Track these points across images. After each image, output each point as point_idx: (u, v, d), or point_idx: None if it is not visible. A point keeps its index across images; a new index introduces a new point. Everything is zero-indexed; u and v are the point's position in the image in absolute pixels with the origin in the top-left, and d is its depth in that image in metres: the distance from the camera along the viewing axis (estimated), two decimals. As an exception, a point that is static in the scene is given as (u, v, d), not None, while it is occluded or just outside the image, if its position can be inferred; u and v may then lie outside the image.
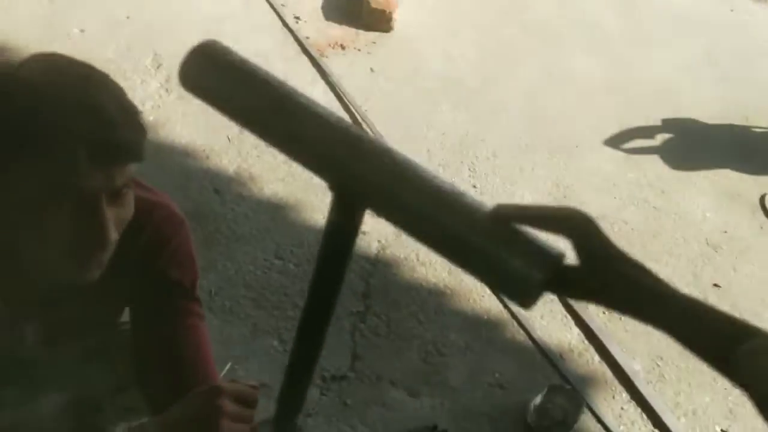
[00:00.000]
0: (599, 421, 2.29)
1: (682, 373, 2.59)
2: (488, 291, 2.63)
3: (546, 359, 2.44)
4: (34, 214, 0.90)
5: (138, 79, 3.07)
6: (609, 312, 2.74)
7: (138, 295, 1.22)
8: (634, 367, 2.52)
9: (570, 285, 0.50)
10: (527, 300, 0.48)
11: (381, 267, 2.57)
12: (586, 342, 2.58)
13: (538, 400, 2.18)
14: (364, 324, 2.34)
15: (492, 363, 2.36)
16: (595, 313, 2.70)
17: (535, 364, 2.41)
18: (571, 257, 0.49)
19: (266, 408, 1.64)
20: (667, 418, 2.36)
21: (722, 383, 2.60)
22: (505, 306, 2.59)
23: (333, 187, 0.49)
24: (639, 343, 2.66)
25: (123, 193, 0.96)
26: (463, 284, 2.63)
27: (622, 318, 2.73)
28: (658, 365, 2.59)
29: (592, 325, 2.62)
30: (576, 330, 2.62)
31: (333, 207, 0.50)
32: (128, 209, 0.99)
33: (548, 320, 2.61)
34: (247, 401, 1.16)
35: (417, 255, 2.69)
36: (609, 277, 0.49)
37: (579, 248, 0.50)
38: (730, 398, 2.54)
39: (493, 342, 2.44)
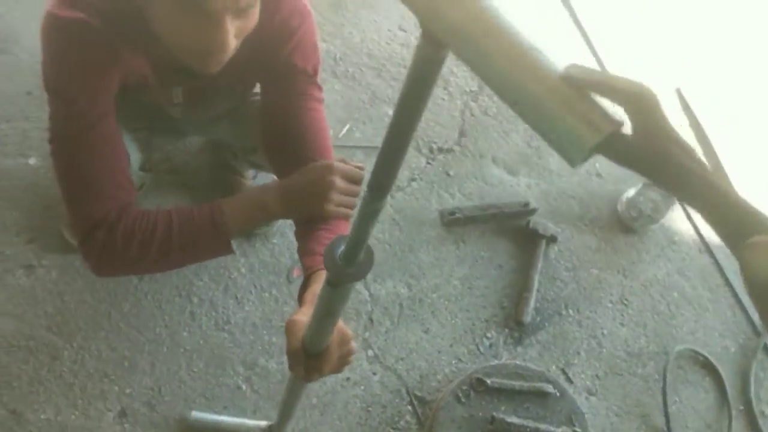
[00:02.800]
0: (688, 218, 2.43)
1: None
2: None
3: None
4: (175, 18, 1.07)
5: None
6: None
7: (267, 77, 1.42)
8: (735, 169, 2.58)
9: (619, 152, 0.55)
10: (577, 160, 0.51)
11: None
12: (694, 140, 2.63)
13: (631, 192, 2.32)
14: (475, 103, 2.49)
15: (593, 152, 2.49)
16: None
17: (635, 158, 2.51)
18: (627, 127, 0.54)
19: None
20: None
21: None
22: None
23: (420, 22, 0.54)
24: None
25: (248, 9, 1.09)
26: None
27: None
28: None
29: (703, 122, 2.65)
30: (688, 130, 2.66)
31: (420, 40, 0.55)
32: (252, 21, 1.13)
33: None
34: (354, 179, 1.39)
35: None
36: (657, 155, 0.54)
37: (637, 122, 0.53)
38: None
39: (598, 132, 2.54)
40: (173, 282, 1.93)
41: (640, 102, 0.53)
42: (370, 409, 1.86)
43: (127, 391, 1.76)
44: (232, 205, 1.33)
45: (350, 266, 0.76)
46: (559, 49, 2.71)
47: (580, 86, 0.51)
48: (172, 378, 1.80)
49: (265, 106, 1.46)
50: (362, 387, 1.88)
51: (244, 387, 1.82)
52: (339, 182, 1.34)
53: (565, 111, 0.50)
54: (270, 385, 1.83)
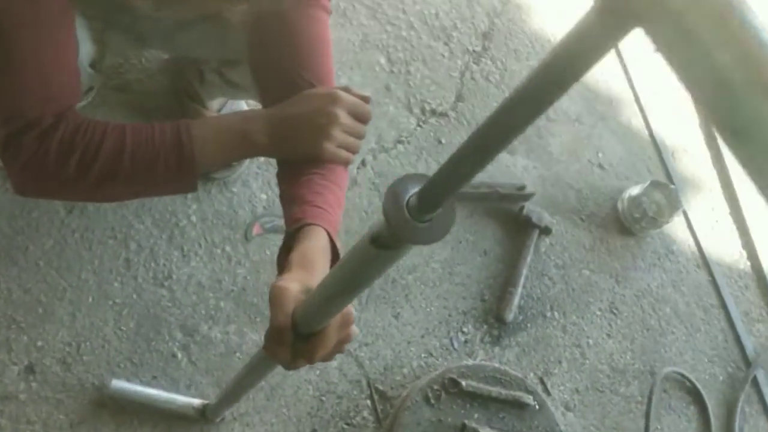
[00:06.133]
0: (689, 227, 2.32)
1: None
2: (619, 67, 2.53)
3: (657, 152, 2.41)
4: None
5: None
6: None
7: None
8: (743, 183, 2.48)
9: None
10: None
11: (511, 8, 2.46)
12: (704, 145, 2.52)
13: (635, 190, 2.19)
14: (477, 66, 2.31)
15: (598, 141, 2.35)
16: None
17: (642, 155, 2.39)
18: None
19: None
20: (760, 242, 2.37)
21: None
22: (632, 86, 2.50)
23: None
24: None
25: None
26: (593, 50, 2.52)
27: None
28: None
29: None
30: (698, 131, 2.54)
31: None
32: None
33: (673, 116, 2.53)
34: (360, 115, 1.19)
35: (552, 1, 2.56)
36: None
37: None
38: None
39: (607, 120, 2.40)
40: (108, 220, 1.69)
41: None
42: (323, 398, 1.69)
43: (39, 343, 1.53)
44: (205, 128, 1.13)
45: (423, 220, 0.55)
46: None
47: None
48: (94, 335, 1.57)
49: (257, 8, 1.25)
50: (317, 372, 1.70)
51: (179, 356, 1.62)
52: (343, 117, 1.14)
53: None
54: (210, 357, 1.63)
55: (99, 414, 1.51)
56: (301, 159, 1.14)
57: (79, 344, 1.56)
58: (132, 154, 1.07)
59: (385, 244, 0.58)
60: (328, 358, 0.89)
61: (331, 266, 1.01)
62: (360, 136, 1.18)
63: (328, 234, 1.03)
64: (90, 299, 1.60)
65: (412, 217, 0.54)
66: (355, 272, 0.65)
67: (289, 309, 0.84)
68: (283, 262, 1.02)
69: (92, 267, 1.63)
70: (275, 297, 0.85)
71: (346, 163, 1.17)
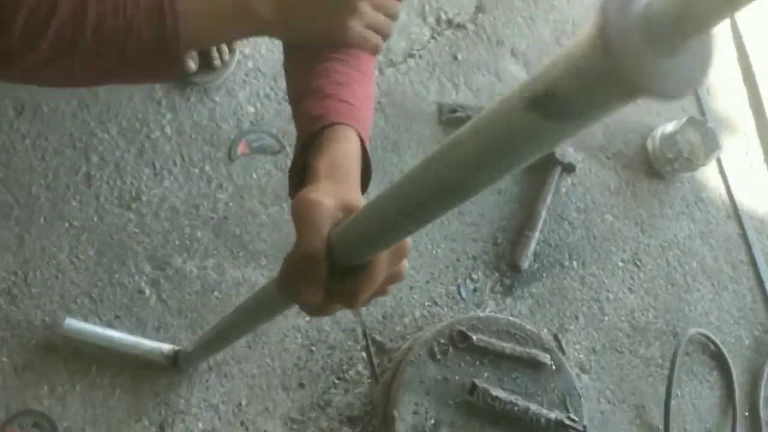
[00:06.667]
0: (721, 173, 2.12)
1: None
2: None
3: (692, 86, 2.18)
4: None
5: None
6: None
7: None
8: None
9: None
10: None
11: None
12: (741, 82, 2.30)
13: (669, 128, 1.98)
14: (501, -28, 2.04)
15: (630, 69, 2.11)
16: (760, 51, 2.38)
17: (676, 88, 2.16)
18: None
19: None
20: (795, 196, 2.19)
21: None
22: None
23: None
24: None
25: None
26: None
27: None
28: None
29: (754, 61, 2.32)
30: (736, 66, 2.32)
31: None
32: None
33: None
34: (386, 9, 0.96)
35: None
36: None
37: None
38: None
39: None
40: (66, 126, 1.44)
41: None
42: (313, 348, 1.49)
43: (-22, 271, 1.30)
44: None
45: (665, 53, 0.31)
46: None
47: None
48: (46, 263, 1.34)
49: None
50: (307, 318, 1.50)
51: (147, 292, 1.40)
52: (366, 7, 0.91)
53: None
54: (184, 295, 1.42)
55: (49, 358, 1.29)
56: (317, 42, 0.91)
57: (26, 273, 1.32)
58: (98, 20, 0.82)
59: (566, 106, 0.33)
60: (368, 302, 0.67)
61: (362, 178, 0.79)
62: (393, 16, 0.95)
63: (359, 136, 0.81)
64: (42, 220, 1.36)
65: (642, 35, 0.31)
66: (473, 165, 0.40)
67: (324, 230, 0.61)
68: (298, 176, 0.80)
69: (45, 181, 1.39)
70: (306, 213, 0.62)
71: (375, 50, 0.94)
